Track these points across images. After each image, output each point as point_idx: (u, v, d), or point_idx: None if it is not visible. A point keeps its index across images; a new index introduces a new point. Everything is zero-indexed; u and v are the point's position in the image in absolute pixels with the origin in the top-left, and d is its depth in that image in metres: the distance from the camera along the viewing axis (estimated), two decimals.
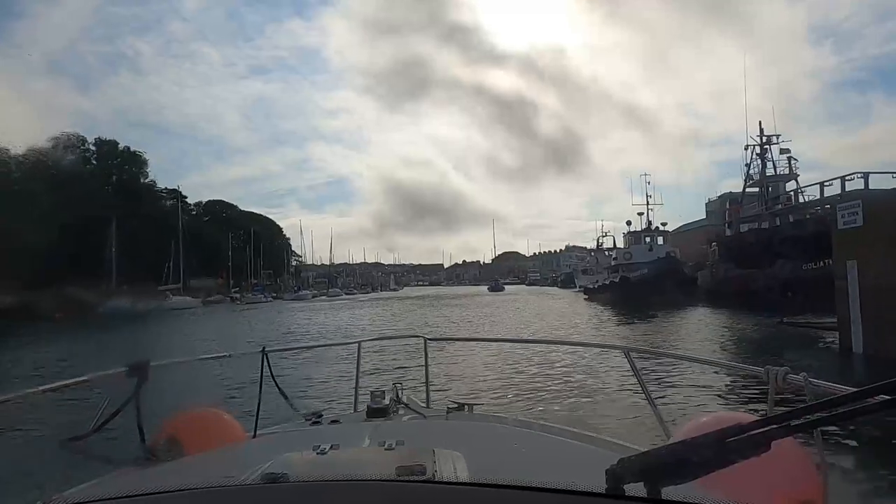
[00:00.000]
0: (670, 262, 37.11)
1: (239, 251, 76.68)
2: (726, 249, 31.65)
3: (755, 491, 1.01)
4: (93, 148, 74.30)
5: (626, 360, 2.74)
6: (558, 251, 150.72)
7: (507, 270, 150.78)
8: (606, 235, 69.30)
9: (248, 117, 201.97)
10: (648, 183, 48.64)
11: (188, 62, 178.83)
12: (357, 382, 3.44)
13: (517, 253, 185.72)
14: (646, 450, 0.92)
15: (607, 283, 42.69)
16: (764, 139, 35.67)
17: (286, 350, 6.93)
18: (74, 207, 51.83)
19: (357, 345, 3.54)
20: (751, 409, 6.17)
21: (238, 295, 66.67)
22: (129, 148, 71.52)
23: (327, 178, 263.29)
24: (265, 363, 2.85)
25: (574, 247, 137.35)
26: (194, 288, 63.77)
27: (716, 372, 9.59)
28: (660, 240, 44.81)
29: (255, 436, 2.41)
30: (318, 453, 1.35)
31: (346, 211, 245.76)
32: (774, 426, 0.87)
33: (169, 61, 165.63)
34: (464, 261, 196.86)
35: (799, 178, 34.36)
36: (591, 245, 75.68)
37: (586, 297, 48.71)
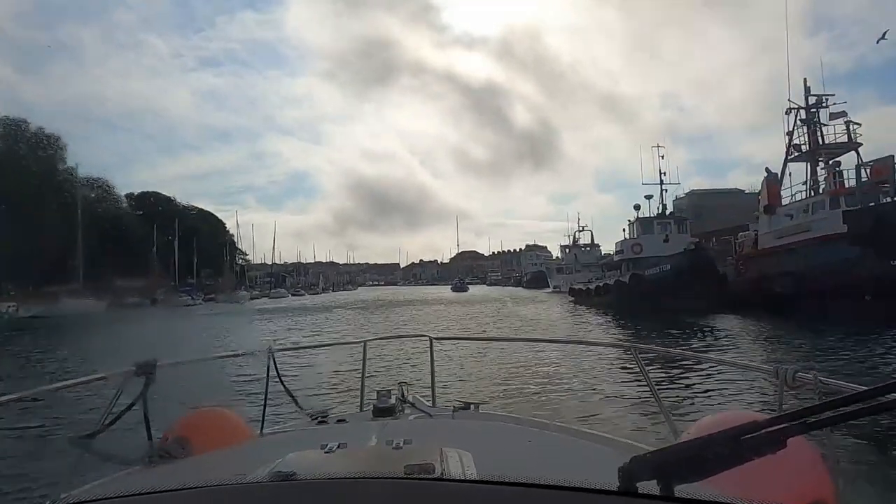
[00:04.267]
0: (700, 255, 27.73)
1: (174, 248, 70.75)
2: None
3: (767, 489, 1.01)
4: None
5: (633, 358, 2.70)
6: (518, 251, 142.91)
7: (465, 270, 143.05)
8: (584, 230, 60.74)
9: (199, 111, 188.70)
10: (662, 157, 38.61)
11: (133, 53, 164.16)
12: (363, 382, 3.42)
13: (476, 252, 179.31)
14: (658, 448, 0.95)
15: (610, 283, 32.93)
16: (811, 100, 26.62)
17: (292, 349, 7.13)
18: None
19: (363, 344, 3.51)
20: (759, 408, 5.90)
21: (162, 297, 54.93)
22: (42, 129, 63.58)
23: (285, 174, 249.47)
24: (272, 362, 2.88)
25: (535, 245, 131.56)
26: (122, 288, 57.09)
27: (723, 370, 9.18)
28: (676, 228, 34.62)
29: (261, 435, 2.45)
30: (325, 452, 1.35)
31: (305, 207, 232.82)
32: (790, 423, 0.87)
33: (112, 51, 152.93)
34: (421, 260, 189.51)
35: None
36: (555, 245, 67.09)
37: (573, 299, 39.31)
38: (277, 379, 2.89)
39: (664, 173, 37.67)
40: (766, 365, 1.98)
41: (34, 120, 65.98)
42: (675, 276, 27.92)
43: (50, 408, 7.06)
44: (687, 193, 54.19)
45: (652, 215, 36.97)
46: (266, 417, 2.60)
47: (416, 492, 0.98)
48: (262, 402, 2.68)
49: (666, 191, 37.80)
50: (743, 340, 17.59)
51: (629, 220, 38.58)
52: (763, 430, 0.85)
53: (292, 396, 3.06)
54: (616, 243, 39.42)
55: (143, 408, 2.18)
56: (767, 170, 30.24)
